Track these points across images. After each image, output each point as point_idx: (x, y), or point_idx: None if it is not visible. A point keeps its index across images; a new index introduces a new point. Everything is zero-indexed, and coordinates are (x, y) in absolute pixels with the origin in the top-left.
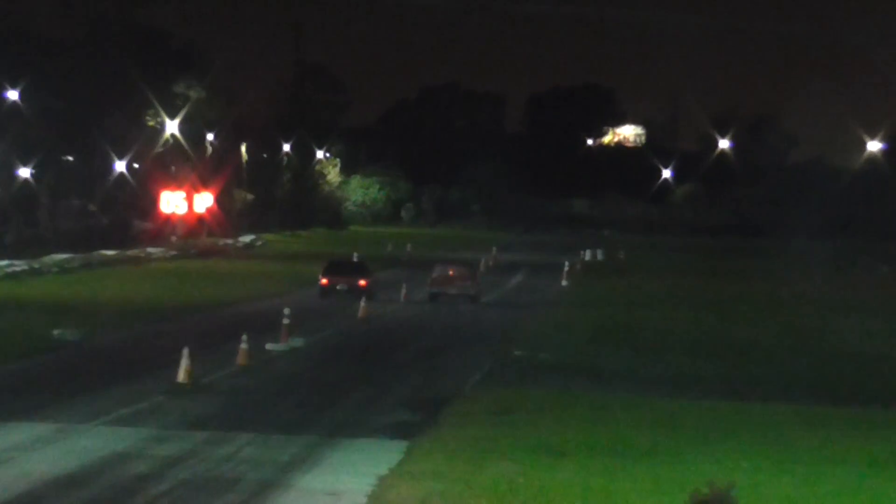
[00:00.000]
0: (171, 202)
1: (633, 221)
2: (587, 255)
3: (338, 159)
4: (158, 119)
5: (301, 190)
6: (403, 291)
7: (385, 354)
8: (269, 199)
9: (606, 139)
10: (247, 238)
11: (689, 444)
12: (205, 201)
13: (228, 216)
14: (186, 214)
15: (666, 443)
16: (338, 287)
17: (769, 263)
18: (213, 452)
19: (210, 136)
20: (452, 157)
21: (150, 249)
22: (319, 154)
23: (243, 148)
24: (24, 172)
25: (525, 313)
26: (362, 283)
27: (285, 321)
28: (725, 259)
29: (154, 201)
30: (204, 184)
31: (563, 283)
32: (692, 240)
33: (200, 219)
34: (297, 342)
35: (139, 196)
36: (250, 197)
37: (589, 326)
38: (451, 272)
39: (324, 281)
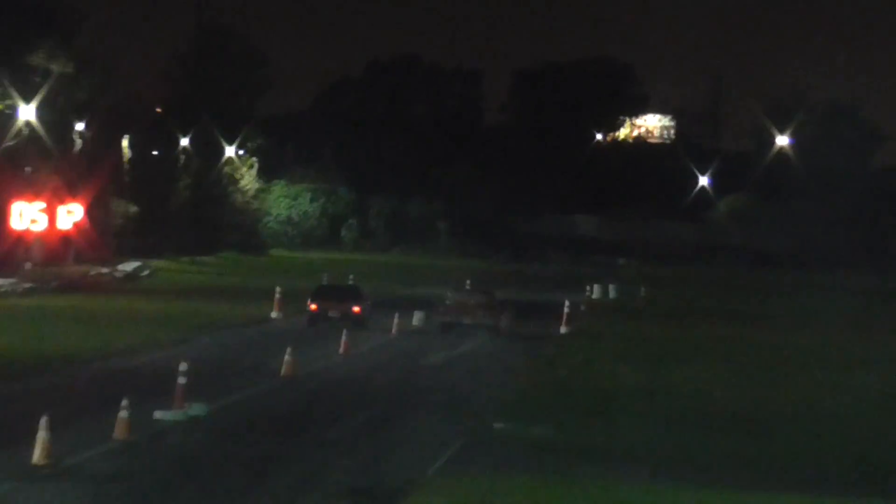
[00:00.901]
0: (26, 216)
1: (658, 246)
2: (595, 291)
3: (255, 159)
4: (8, 101)
5: (204, 200)
6: (343, 340)
7: (317, 426)
8: (160, 212)
9: (622, 133)
10: (129, 266)
11: None
12: (72, 215)
13: (104, 236)
14: (46, 232)
15: None
16: (329, 314)
17: (843, 306)
18: None
19: (80, 126)
20: (412, 158)
21: None
22: (230, 151)
23: (125, 142)
24: None
25: (509, 372)
26: (356, 309)
27: (181, 380)
28: (784, 299)
29: (2, 214)
30: (71, 191)
31: (563, 329)
32: (740, 271)
33: (66, 239)
34: (198, 409)
35: None
36: (134, 209)
37: (597, 390)
38: (468, 299)
39: (313, 307)
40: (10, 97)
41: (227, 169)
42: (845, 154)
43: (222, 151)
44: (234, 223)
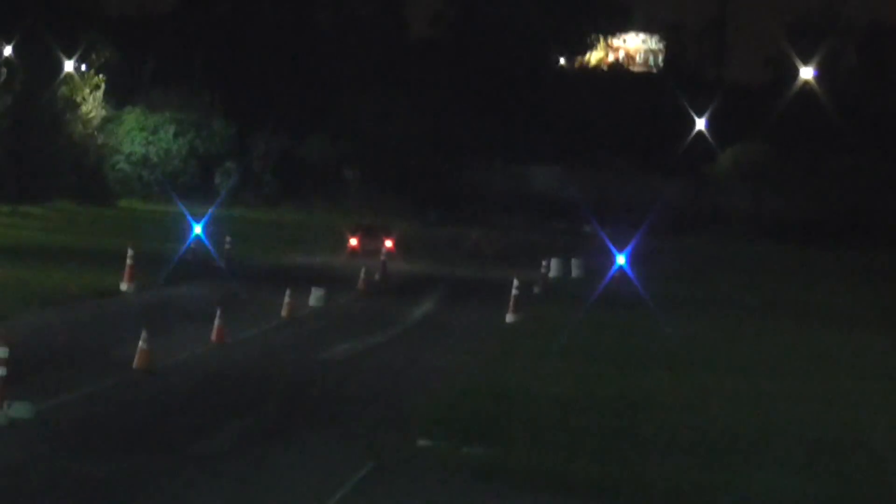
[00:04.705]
0: None
1: (639, 209)
2: (553, 267)
3: (102, 77)
4: None
5: (31, 130)
6: (217, 324)
7: (180, 437)
8: None
9: (594, 58)
10: None
11: None
12: None
13: None
14: None
15: None
16: (366, 249)
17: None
18: None
19: None
20: (311, 83)
21: None
22: (69, 66)
23: None
24: None
25: (437, 372)
26: (389, 245)
27: None
28: (807, 284)
29: None
30: None
31: (509, 317)
32: (747, 246)
33: None
34: (21, 410)
35: None
36: None
37: (553, 399)
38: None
39: (354, 243)
40: None
41: (63, 89)
42: (890, 92)
43: (59, 66)
44: (72, 163)
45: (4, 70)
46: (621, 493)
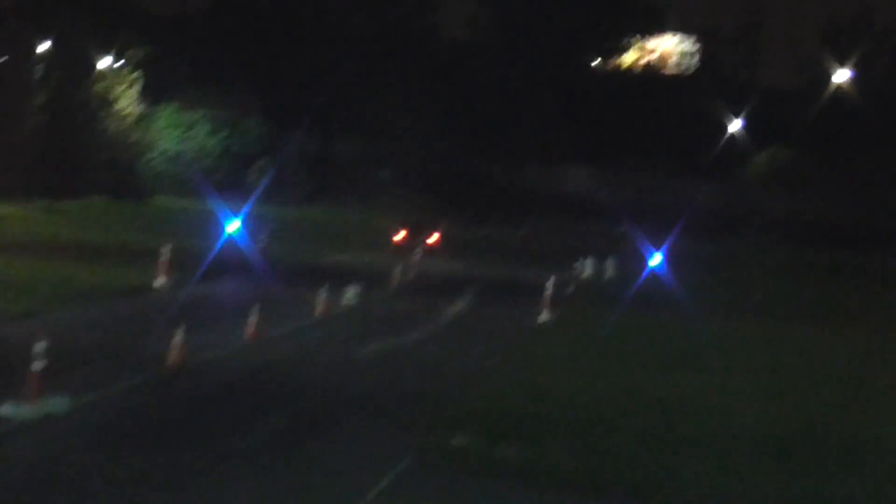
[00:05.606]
0: None
1: (673, 210)
2: (587, 267)
3: (138, 73)
4: None
5: (66, 127)
6: (252, 321)
7: (215, 434)
8: (6, 140)
9: (628, 59)
10: None
11: None
12: None
13: None
14: None
15: None
16: (413, 244)
17: None
18: None
19: None
20: (346, 83)
21: None
22: (104, 62)
23: None
24: None
25: (472, 370)
26: (433, 241)
27: (37, 365)
28: (844, 288)
29: None
30: None
31: (543, 316)
32: (781, 249)
33: None
34: (58, 404)
35: None
36: None
37: (586, 399)
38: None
39: (401, 237)
40: None
41: (98, 86)
42: None
43: (94, 63)
44: (107, 159)
45: (41, 66)
46: (655, 495)
